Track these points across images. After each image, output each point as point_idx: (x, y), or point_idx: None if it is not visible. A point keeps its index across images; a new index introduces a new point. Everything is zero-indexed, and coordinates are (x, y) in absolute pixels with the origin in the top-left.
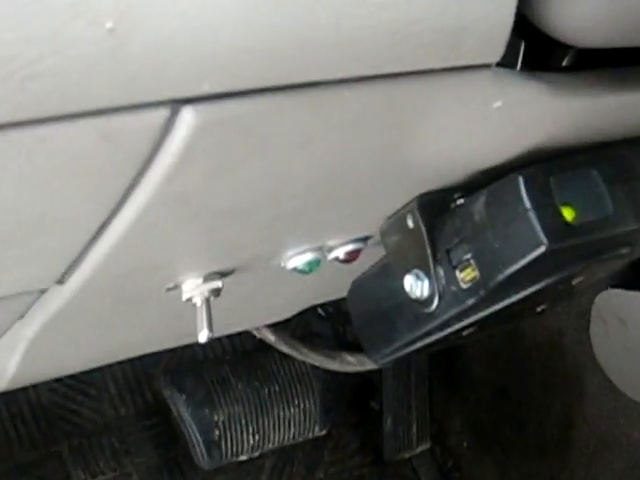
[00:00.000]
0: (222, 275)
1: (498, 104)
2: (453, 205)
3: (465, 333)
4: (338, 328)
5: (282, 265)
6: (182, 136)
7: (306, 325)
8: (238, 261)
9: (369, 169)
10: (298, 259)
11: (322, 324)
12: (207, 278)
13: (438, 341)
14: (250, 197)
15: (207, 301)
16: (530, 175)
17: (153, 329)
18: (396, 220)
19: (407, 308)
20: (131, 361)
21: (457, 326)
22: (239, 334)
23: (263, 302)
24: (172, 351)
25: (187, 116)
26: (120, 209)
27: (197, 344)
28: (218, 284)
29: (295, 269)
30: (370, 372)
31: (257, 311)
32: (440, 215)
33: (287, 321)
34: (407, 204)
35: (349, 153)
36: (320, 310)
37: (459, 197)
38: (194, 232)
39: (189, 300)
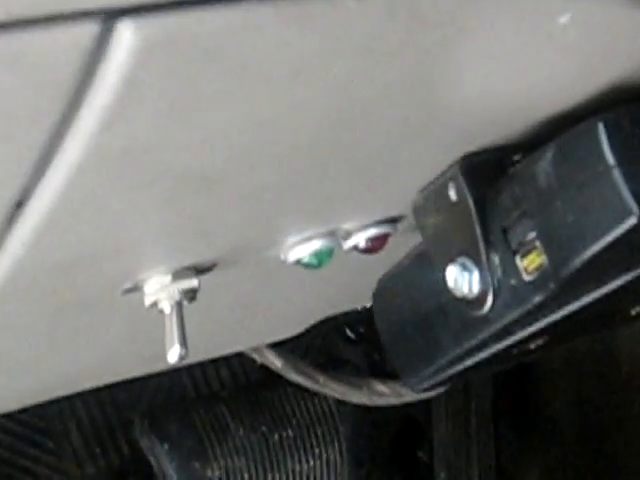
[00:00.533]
0: (198, 271)
1: (566, 18)
2: (509, 168)
3: (532, 346)
4: (372, 355)
5: (281, 257)
6: (119, 63)
7: (331, 351)
8: (218, 251)
9: (390, 117)
10: (302, 249)
11: (351, 349)
12: (177, 275)
13: (496, 357)
14: (223, 154)
15: (178, 306)
16: (613, 121)
17: (112, 348)
18: (434, 191)
19: (451, 311)
20: (100, 402)
21: (520, 335)
22: (241, 362)
23: (259, 311)
24: (155, 388)
25: (125, 34)
26: (44, 170)
27: (187, 377)
28: (193, 283)
29: (299, 262)
30: (413, 408)
31: (252, 324)
32: (492, 182)
33: (307, 347)
34: (447, 169)
35: (358, 92)
36: (348, 331)
37: (517, 157)
38: (151, 206)
39: (154, 306)
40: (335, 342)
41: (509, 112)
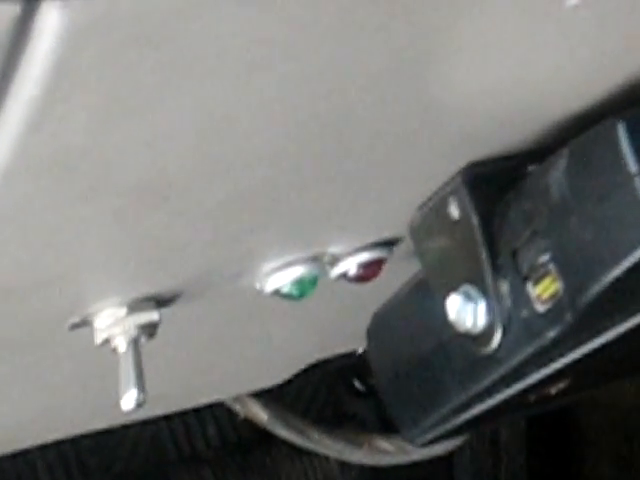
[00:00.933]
0: (158, 303)
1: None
2: (518, 180)
3: (553, 391)
4: (383, 411)
5: (257, 287)
6: (45, 50)
7: (336, 405)
8: (181, 278)
9: (379, 117)
10: (281, 276)
11: (359, 404)
12: (134, 307)
13: (509, 404)
14: (174, 160)
15: (135, 344)
16: (635, 121)
17: (61, 394)
18: (433, 208)
19: (454, 350)
20: (66, 467)
21: (535, 377)
22: (229, 417)
23: (235, 353)
24: (131, 449)
25: (50, 15)
26: None
27: (167, 435)
28: (152, 317)
29: (278, 293)
30: (433, 473)
31: (227, 369)
32: (499, 196)
33: (310, 400)
34: (448, 182)
35: (338, 86)
36: (357, 383)
37: (526, 166)
38: (95, 223)
39: (106, 343)
40: (341, 395)
41: (517, 113)
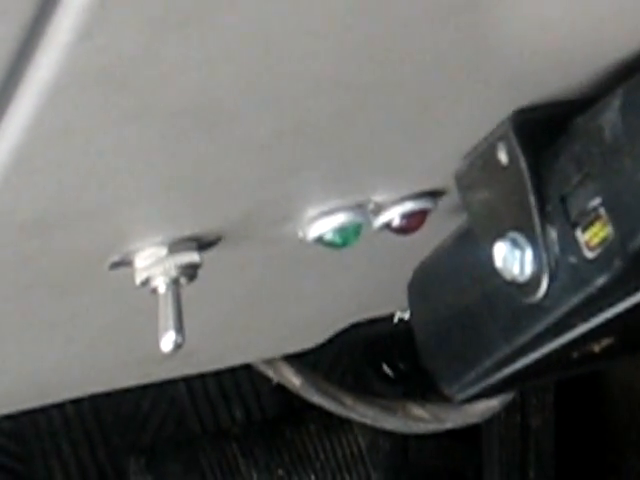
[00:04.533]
0: (200, 246)
1: None
2: (569, 125)
3: (597, 348)
4: (414, 396)
5: (300, 235)
6: None
7: (365, 389)
8: (224, 218)
9: (426, 53)
10: (325, 223)
11: (387, 389)
12: (175, 247)
13: (553, 360)
14: (228, 83)
15: (175, 285)
16: None
17: (96, 343)
18: (480, 154)
19: (499, 300)
20: (90, 443)
21: (581, 329)
22: (256, 395)
23: (272, 308)
24: (158, 427)
25: None
26: (9, 94)
27: (192, 412)
28: (193, 257)
29: (320, 240)
30: (460, 460)
31: (263, 327)
32: (549, 141)
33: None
34: (497, 128)
35: (390, 15)
36: (385, 367)
37: (577, 113)
38: (141, 148)
39: (146, 284)
40: (369, 379)
41: (568, 58)
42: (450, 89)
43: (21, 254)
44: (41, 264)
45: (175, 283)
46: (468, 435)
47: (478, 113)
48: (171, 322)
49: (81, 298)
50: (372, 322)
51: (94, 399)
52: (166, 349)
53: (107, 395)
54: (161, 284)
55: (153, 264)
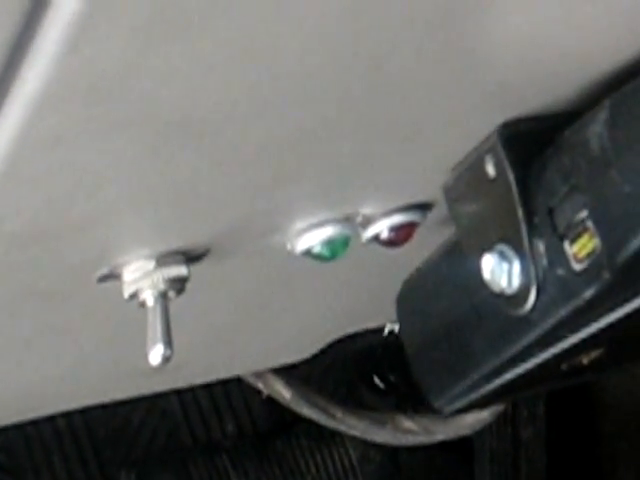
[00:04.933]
0: (188, 259)
1: None
2: (557, 137)
3: (585, 360)
4: (405, 408)
5: (288, 247)
6: None
7: (355, 400)
8: (212, 231)
9: (414, 65)
10: (313, 236)
11: (378, 401)
12: (163, 260)
13: (541, 372)
14: (214, 95)
15: (163, 298)
16: None
17: (85, 355)
18: (468, 167)
19: (487, 312)
20: (81, 457)
21: (569, 341)
22: (247, 408)
23: (261, 321)
24: (150, 440)
25: None
26: None
27: (184, 425)
28: (181, 271)
29: (308, 253)
30: (452, 472)
31: (253, 340)
32: (536, 153)
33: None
34: (484, 140)
35: (378, 24)
36: (377, 379)
37: (564, 126)
38: (128, 159)
39: (134, 297)
40: (360, 392)
41: (555, 70)
42: (438, 102)
43: (8, 266)
44: (29, 276)
45: (163, 296)
46: (459, 447)
47: (466, 126)
48: (159, 335)
49: (69, 311)
50: (363, 334)
51: (85, 412)
52: (155, 362)
53: (98, 408)
54: (149, 297)
55: (141, 277)
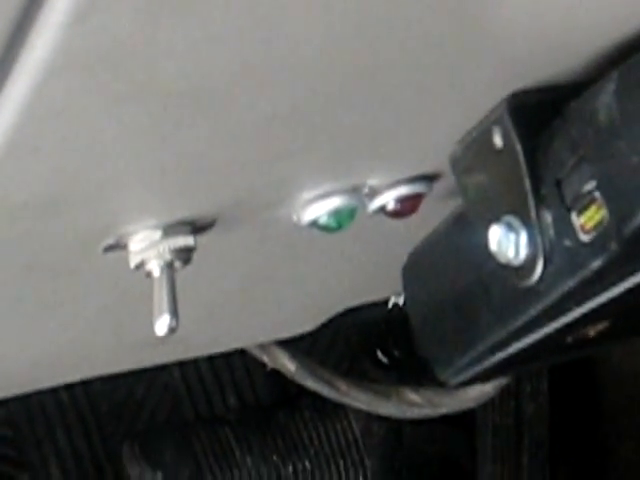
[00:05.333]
0: (194, 229)
1: None
2: (564, 107)
3: (591, 332)
4: (408, 382)
5: (294, 218)
6: None
7: (359, 374)
8: (219, 201)
9: (420, 35)
10: (319, 206)
11: (383, 375)
12: (169, 230)
13: (547, 344)
14: (221, 65)
15: (169, 269)
16: None
17: (91, 325)
18: (475, 138)
19: (494, 283)
20: (85, 431)
21: (576, 313)
22: (250, 382)
23: (266, 292)
24: (152, 413)
25: None
26: (4, 73)
27: (186, 399)
28: (187, 241)
29: (315, 224)
30: (455, 448)
31: (257, 311)
32: (544, 125)
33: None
34: (492, 111)
35: None
36: (380, 354)
37: (572, 97)
38: (135, 128)
39: (140, 267)
40: (364, 366)
41: (563, 40)
42: (445, 72)
43: (15, 236)
44: (35, 246)
45: (169, 267)
46: (462, 421)
47: (473, 97)
48: (165, 305)
49: (75, 281)
50: (367, 308)
51: (88, 385)
52: (160, 332)
53: (101, 381)
54: (155, 267)
55: (147, 247)
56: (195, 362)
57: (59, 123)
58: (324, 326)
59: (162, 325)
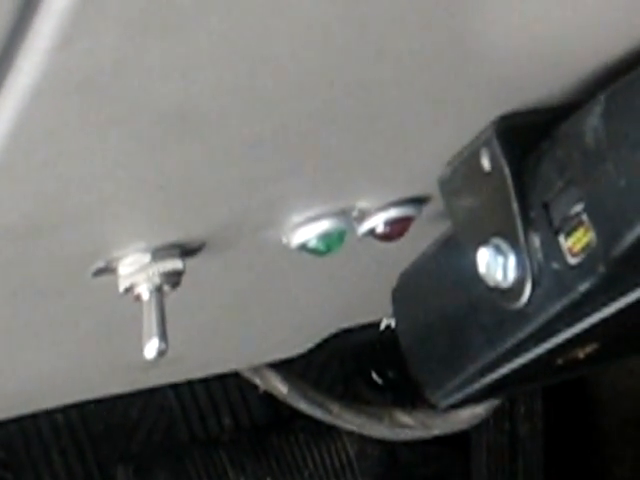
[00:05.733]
0: (183, 252)
1: None
2: (552, 129)
3: (581, 355)
4: (402, 403)
5: (283, 241)
6: None
7: (353, 396)
8: (207, 225)
9: (410, 58)
10: (308, 230)
11: (377, 396)
12: (158, 254)
13: (536, 366)
14: (209, 89)
15: (158, 292)
16: None
17: (81, 349)
18: (464, 161)
19: (483, 306)
20: (79, 452)
21: (565, 335)
22: (245, 404)
23: (256, 315)
24: (147, 435)
25: None
26: None
27: (181, 420)
28: (176, 265)
29: (304, 247)
30: (449, 468)
31: (248, 334)
32: (532, 146)
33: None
34: (480, 134)
35: (371, 19)
36: (375, 375)
37: (560, 119)
38: (123, 152)
39: (129, 291)
40: (358, 387)
41: (550, 63)
42: (433, 94)
43: (3, 259)
44: (23, 271)
45: (159, 290)
46: (457, 442)
47: (461, 119)
48: (155, 329)
49: (65, 305)
50: (360, 330)
51: (83, 408)
52: (150, 356)
53: (96, 404)
54: (144, 291)
55: (136, 271)
56: (190, 384)
57: (46, 147)
58: (317, 348)
59: (151, 349)
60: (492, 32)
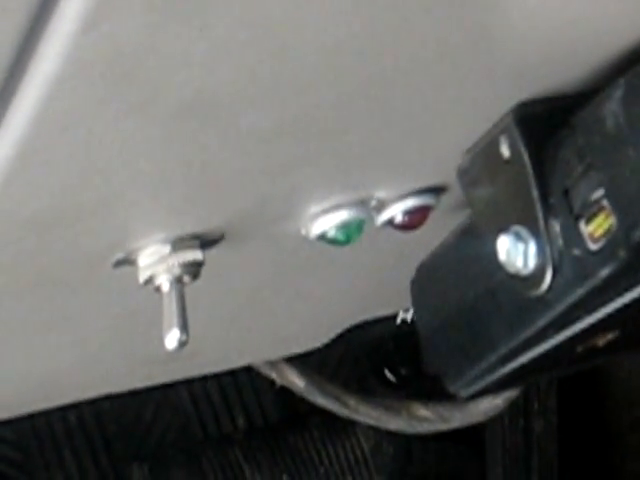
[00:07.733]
0: (203, 243)
1: None
2: (571, 115)
3: (601, 342)
4: (418, 399)
5: (302, 232)
6: None
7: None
8: (227, 215)
9: (428, 46)
10: (327, 220)
11: (391, 393)
12: (178, 245)
13: (556, 355)
14: (230, 76)
15: (178, 284)
16: None
17: (100, 342)
18: (482, 148)
19: (503, 294)
20: (92, 451)
21: (585, 322)
22: (258, 402)
23: (275, 307)
24: (161, 435)
25: None
26: (13, 86)
27: (195, 418)
28: (196, 255)
29: (323, 237)
30: (465, 465)
31: (266, 327)
32: (551, 133)
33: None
34: (499, 121)
35: (389, 7)
36: (388, 373)
37: (579, 106)
38: (144, 140)
39: (149, 282)
40: (372, 384)
41: (570, 50)
42: (452, 83)
43: (24, 252)
44: (44, 262)
45: (179, 281)
46: (471, 439)
47: (480, 107)
48: (175, 320)
49: (85, 297)
50: (375, 326)
51: (96, 407)
52: (170, 347)
53: (109, 403)
54: (164, 282)
55: (156, 262)
56: (203, 382)
57: (69, 135)
58: (333, 343)
59: (172, 339)
60: (511, 19)
